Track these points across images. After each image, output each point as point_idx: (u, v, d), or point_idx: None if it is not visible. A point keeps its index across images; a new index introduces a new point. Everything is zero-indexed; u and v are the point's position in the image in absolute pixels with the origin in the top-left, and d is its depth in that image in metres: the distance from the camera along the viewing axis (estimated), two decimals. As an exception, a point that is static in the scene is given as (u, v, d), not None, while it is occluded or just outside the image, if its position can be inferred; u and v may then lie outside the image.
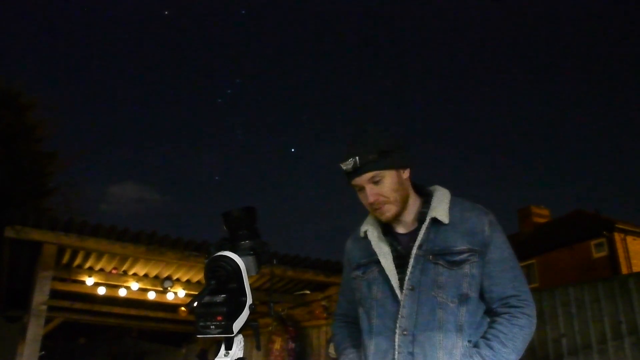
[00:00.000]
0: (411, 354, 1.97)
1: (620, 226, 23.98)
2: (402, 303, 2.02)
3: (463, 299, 2.00)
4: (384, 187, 2.09)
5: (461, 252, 2.04)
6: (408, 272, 2.04)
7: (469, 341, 1.98)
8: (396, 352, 1.99)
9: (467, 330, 1.99)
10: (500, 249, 2.10)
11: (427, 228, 2.09)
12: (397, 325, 2.01)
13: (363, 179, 2.09)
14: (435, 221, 2.10)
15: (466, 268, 2.03)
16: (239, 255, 1.55)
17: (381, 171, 2.07)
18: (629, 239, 23.75)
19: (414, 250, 2.06)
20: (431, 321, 1.98)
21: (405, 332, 1.99)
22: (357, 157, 2.06)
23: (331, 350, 9.38)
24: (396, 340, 2.00)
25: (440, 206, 2.13)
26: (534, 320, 2.04)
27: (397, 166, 2.11)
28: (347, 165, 2.08)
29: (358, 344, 2.24)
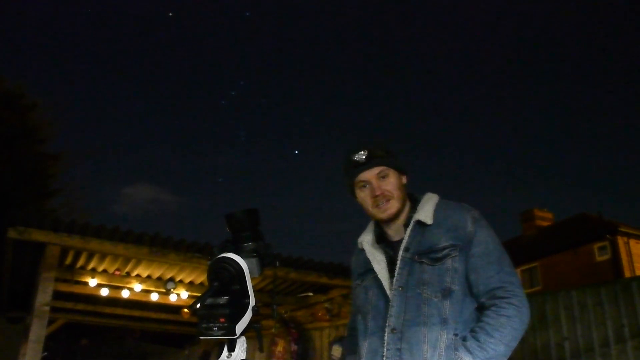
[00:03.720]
0: (399, 349, 2.04)
1: (624, 229, 23.92)
2: (391, 303, 2.11)
3: (446, 293, 2.07)
4: (389, 184, 2.23)
5: (443, 249, 2.13)
6: (396, 274, 2.14)
7: (455, 334, 2.02)
8: (385, 349, 2.07)
9: (452, 323, 2.04)
10: (485, 243, 2.15)
11: (412, 231, 2.21)
12: (387, 324, 2.10)
13: (372, 172, 2.24)
14: (419, 223, 2.21)
15: (448, 263, 2.11)
16: (242, 257, 1.56)
17: (388, 168, 2.23)
18: (632, 242, 23.69)
19: (400, 253, 2.18)
20: (417, 317, 2.06)
21: (394, 330, 2.07)
22: (368, 151, 2.22)
23: (334, 352, 9.38)
24: (385, 338, 2.08)
25: (424, 209, 2.24)
26: (524, 310, 2.05)
27: (400, 168, 2.28)
28: (360, 156, 2.23)
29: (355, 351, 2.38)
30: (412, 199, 2.33)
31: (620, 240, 23.50)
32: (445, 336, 2.01)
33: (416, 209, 2.26)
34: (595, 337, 7.41)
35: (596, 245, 24.10)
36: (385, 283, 2.16)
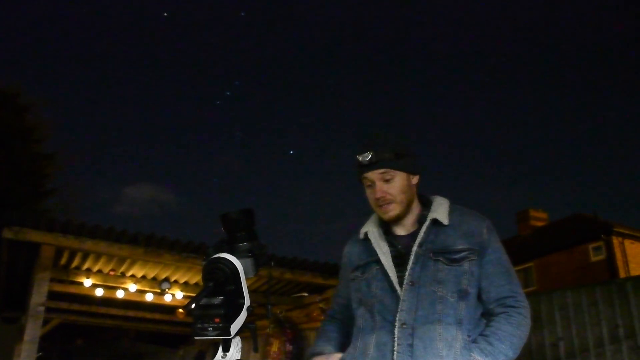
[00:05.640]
0: (410, 345, 2.01)
1: (619, 229, 23.97)
2: (402, 297, 2.07)
3: (462, 294, 2.07)
4: (393, 186, 2.18)
5: (461, 251, 2.12)
6: (408, 268, 2.10)
7: (469, 336, 2.03)
8: (395, 344, 2.03)
9: (467, 325, 2.05)
10: (498, 252, 2.18)
11: (428, 228, 2.17)
12: (397, 318, 2.05)
13: (375, 173, 2.18)
14: (435, 222, 2.18)
15: (465, 265, 2.10)
16: (237, 257, 1.55)
17: (394, 170, 2.18)
18: (627, 242, 23.74)
19: (415, 248, 2.13)
20: (431, 314, 2.04)
21: (404, 325, 2.04)
22: (374, 152, 2.16)
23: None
24: (395, 333, 2.04)
25: (440, 209, 2.22)
26: (529, 321, 2.11)
27: (408, 170, 2.22)
28: (364, 157, 2.17)
29: (335, 339, 2.37)
30: (424, 199, 2.31)
31: (615, 241, 23.55)
32: (460, 337, 2.01)
33: (430, 208, 2.24)
34: (590, 337, 7.43)
35: (591, 246, 24.15)
36: (392, 276, 2.13)
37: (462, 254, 2.11)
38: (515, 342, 2.03)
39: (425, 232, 2.17)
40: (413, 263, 2.11)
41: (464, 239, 2.14)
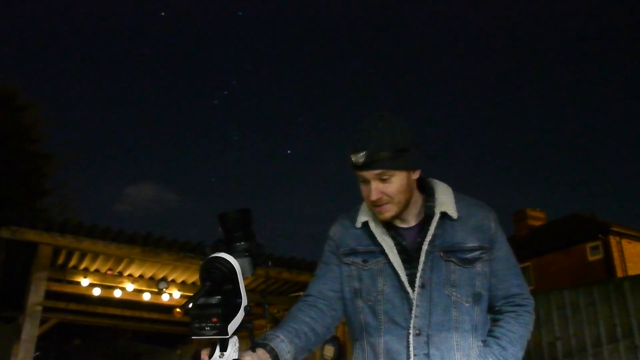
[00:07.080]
0: (427, 355, 1.88)
1: (616, 229, 24.01)
2: (414, 302, 1.92)
3: (477, 298, 1.95)
4: (390, 186, 1.94)
5: (472, 250, 1.97)
6: (419, 269, 1.94)
7: (483, 341, 1.95)
8: (411, 354, 1.89)
9: (480, 330, 1.95)
10: (505, 246, 2.05)
11: (437, 223, 1.99)
12: (411, 325, 1.91)
13: (371, 173, 1.92)
14: (443, 216, 2.00)
15: (478, 266, 1.96)
16: (234, 257, 1.55)
17: (392, 170, 1.91)
18: (625, 242, 23.78)
19: (425, 246, 1.96)
20: (446, 321, 1.91)
21: (418, 332, 1.90)
22: (370, 152, 1.89)
23: (326, 352, 9.38)
24: (410, 341, 1.90)
25: (447, 200, 2.03)
26: (534, 317, 2.04)
27: (408, 168, 1.96)
28: (359, 159, 1.90)
29: (297, 325, 1.96)
30: (423, 185, 2.09)
31: (613, 240, 23.59)
32: (476, 344, 1.92)
33: (434, 198, 2.04)
34: (587, 336, 7.45)
35: (588, 245, 24.19)
36: (403, 275, 1.94)
37: (475, 254, 1.97)
38: (524, 342, 1.95)
39: (435, 228, 1.98)
40: (423, 263, 1.94)
41: (474, 236, 1.99)
